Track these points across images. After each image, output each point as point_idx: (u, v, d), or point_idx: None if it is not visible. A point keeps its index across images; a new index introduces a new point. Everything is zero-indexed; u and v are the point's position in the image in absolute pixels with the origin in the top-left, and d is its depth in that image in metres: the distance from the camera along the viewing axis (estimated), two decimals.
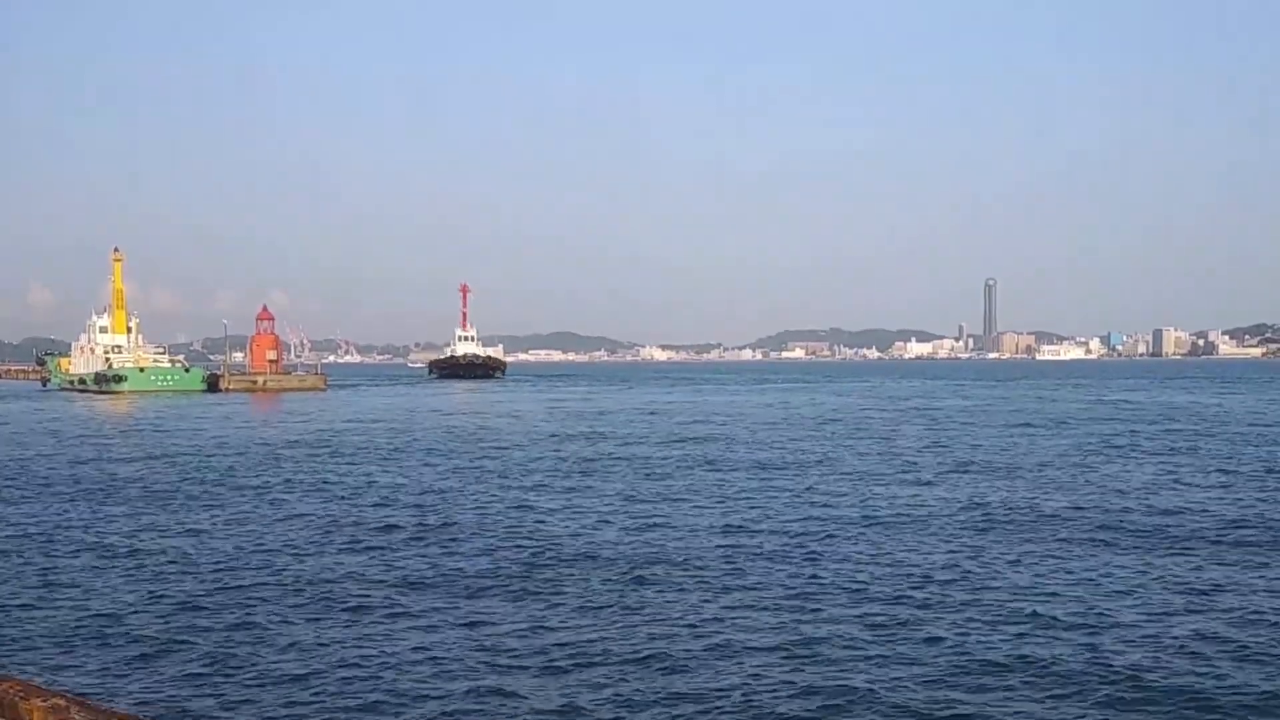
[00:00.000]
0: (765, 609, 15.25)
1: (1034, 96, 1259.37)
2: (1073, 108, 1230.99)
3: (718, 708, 11.32)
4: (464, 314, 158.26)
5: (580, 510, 24.81)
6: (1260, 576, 17.09)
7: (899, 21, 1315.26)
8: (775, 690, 11.81)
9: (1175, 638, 13.57)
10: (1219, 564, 18.08)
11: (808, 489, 28.24)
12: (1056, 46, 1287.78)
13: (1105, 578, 17.08)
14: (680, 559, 18.83)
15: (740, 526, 22.25)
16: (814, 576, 17.28)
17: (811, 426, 53.36)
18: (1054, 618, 14.58)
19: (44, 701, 6.58)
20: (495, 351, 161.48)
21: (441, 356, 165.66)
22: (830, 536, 21.01)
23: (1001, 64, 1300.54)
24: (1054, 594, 16.03)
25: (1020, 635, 13.81)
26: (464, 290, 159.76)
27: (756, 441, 43.80)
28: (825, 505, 25.23)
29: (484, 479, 31.22)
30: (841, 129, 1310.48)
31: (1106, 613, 14.86)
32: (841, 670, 12.49)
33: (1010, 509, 24.27)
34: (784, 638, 13.77)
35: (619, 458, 37.40)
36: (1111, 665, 12.53)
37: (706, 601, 15.74)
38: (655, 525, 22.57)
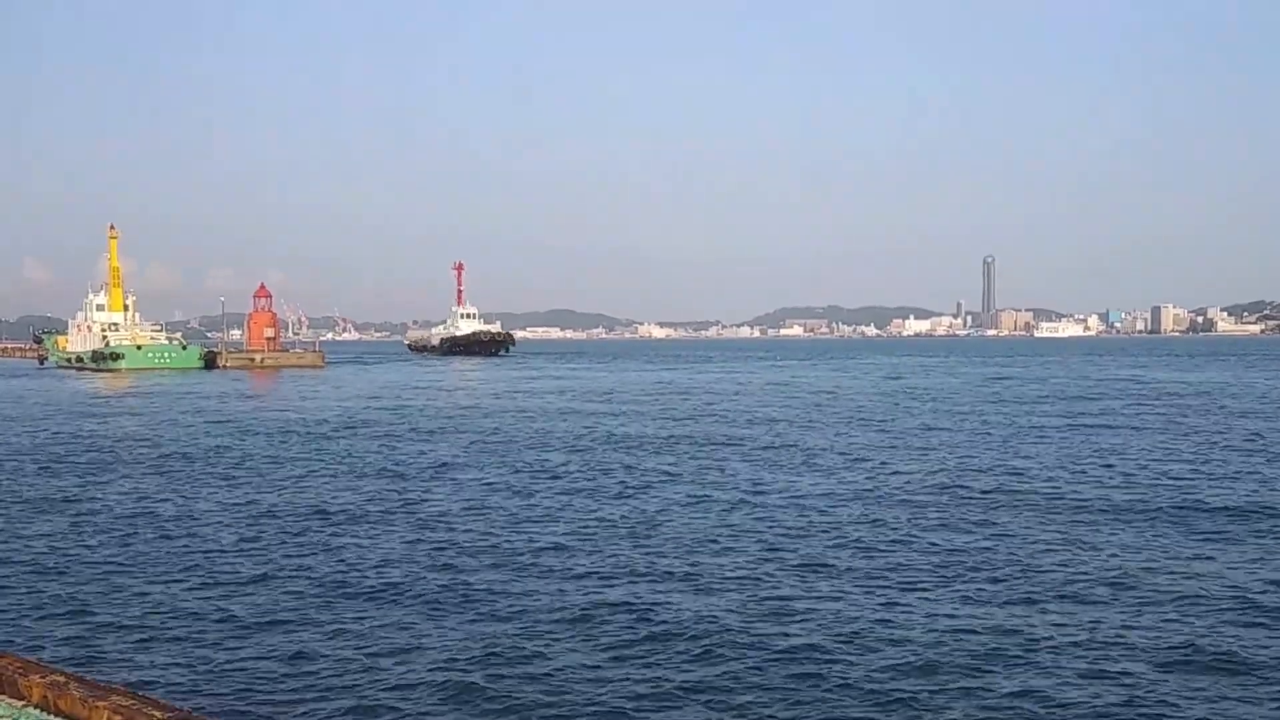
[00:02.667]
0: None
1: (1033, 79, 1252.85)
2: (1071, 90, 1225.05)
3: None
4: (459, 291, 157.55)
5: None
6: None
7: (897, 11, 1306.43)
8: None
9: None
10: None
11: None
12: (1056, 35, 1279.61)
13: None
14: None
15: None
16: None
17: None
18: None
19: (43, 677, 6.68)
20: (495, 328, 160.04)
21: (442, 334, 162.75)
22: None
23: (1000, 50, 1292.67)
24: None
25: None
26: (459, 268, 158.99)
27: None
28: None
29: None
30: (841, 111, 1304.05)
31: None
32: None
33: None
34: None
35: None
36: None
37: None
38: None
